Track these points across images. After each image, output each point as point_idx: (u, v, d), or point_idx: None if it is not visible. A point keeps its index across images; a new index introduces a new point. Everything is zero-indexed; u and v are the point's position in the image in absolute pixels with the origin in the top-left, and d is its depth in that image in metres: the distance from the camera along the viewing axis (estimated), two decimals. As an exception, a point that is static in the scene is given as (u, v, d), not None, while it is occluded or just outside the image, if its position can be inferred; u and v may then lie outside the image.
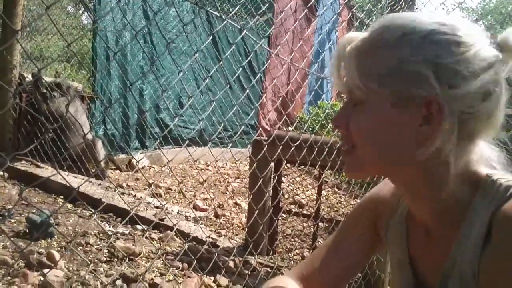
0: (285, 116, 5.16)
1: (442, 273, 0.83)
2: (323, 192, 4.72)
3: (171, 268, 2.58)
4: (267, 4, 6.91)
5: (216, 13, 5.11)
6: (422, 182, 0.80)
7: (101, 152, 4.53)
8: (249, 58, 6.40)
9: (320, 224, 3.26)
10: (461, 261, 0.79)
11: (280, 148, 2.60)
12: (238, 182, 5.15)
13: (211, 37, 5.66)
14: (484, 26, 0.80)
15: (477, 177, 0.80)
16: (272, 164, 3.04)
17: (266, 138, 2.94)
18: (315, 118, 6.57)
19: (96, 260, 2.52)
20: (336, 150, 2.70)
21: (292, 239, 3.48)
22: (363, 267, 2.42)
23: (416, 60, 0.72)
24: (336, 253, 1.06)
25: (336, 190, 5.01)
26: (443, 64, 0.72)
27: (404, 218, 0.96)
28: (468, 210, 0.79)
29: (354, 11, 6.93)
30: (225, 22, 1.62)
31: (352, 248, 1.06)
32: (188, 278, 2.50)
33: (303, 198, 4.44)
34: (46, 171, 4.02)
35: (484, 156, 0.82)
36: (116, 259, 2.60)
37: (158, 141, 5.19)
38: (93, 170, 4.38)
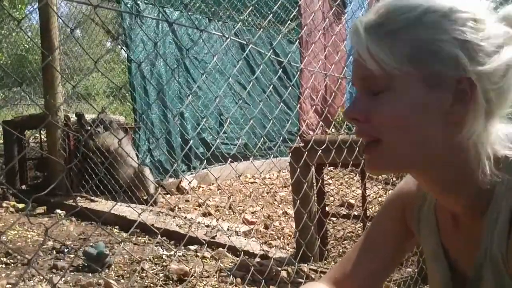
0: (325, 116, 5.13)
1: (474, 262, 0.81)
2: (375, 189, 4.63)
3: (225, 284, 2.62)
4: (297, 9, 6.95)
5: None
6: (452, 172, 0.77)
7: (150, 178, 4.67)
8: (283, 64, 6.41)
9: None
10: (492, 248, 0.77)
11: (320, 152, 2.60)
12: (285, 191, 5.15)
13: (240, 62, 5.72)
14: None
15: (497, 159, 0.77)
16: (313, 169, 3.03)
17: (303, 144, 2.93)
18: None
19: (152, 285, 2.59)
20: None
21: (345, 242, 3.43)
22: (400, 263, 2.35)
23: (443, 39, 0.71)
24: (368, 252, 1.04)
25: (385, 186, 4.90)
26: (468, 41, 0.71)
27: (433, 209, 0.94)
28: (493, 195, 0.77)
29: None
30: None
31: (383, 245, 1.03)
32: (242, 292, 2.52)
33: (351, 199, 4.37)
34: (100, 204, 4.19)
35: (501, 137, 0.80)
36: (171, 282, 2.66)
37: (205, 162, 5.28)
38: (144, 198, 4.52)
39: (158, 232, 2.88)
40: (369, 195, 3.62)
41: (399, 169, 0.82)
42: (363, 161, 2.76)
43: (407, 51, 0.71)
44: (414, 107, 0.72)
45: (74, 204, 4.07)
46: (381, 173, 0.90)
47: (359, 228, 3.45)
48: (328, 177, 4.90)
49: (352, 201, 4.26)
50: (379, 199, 4.32)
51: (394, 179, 4.40)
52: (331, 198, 4.34)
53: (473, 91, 0.72)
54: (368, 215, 2.97)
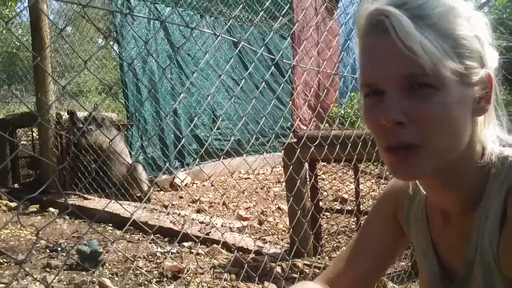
0: (318, 111, 5.13)
1: (464, 259, 0.82)
2: (368, 184, 4.65)
3: (219, 281, 2.62)
4: (288, 5, 6.93)
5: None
6: (458, 167, 0.77)
7: (143, 176, 4.66)
8: (275, 61, 6.40)
9: (365, 217, 3.22)
10: (482, 246, 0.78)
11: (313, 148, 2.60)
12: (278, 187, 5.16)
13: (231, 61, 5.68)
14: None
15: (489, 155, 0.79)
16: (306, 164, 3.03)
17: (295, 140, 2.93)
18: (350, 110, 6.48)
19: (146, 282, 2.59)
20: (370, 141, 2.66)
21: (338, 236, 3.45)
22: (395, 261, 2.36)
23: (470, 35, 0.72)
24: (360, 252, 1.04)
25: (379, 180, 4.93)
26: (484, 40, 0.74)
27: (424, 206, 0.94)
28: (484, 191, 0.78)
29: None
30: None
31: (375, 244, 1.03)
32: (237, 288, 2.53)
33: (345, 194, 4.39)
34: (93, 201, 4.18)
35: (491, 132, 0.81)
36: (166, 279, 2.66)
37: (198, 159, 5.27)
38: (137, 195, 4.51)
39: (151, 231, 2.88)
40: (362, 189, 3.63)
41: (435, 171, 0.74)
42: (355, 156, 2.78)
43: (450, 44, 0.70)
44: (455, 104, 0.71)
45: (66, 202, 4.05)
46: (417, 179, 0.82)
47: (352, 223, 3.46)
48: (322, 172, 4.92)
49: (346, 196, 4.28)
50: (372, 193, 4.34)
51: (387, 173, 4.42)
52: (325, 193, 4.36)
53: (492, 88, 0.75)
54: (361, 209, 2.98)
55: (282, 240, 3.50)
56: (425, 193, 0.91)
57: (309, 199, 3.06)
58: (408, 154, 0.72)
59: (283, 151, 3.01)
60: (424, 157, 0.72)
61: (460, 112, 0.72)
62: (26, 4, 6.04)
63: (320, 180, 3.89)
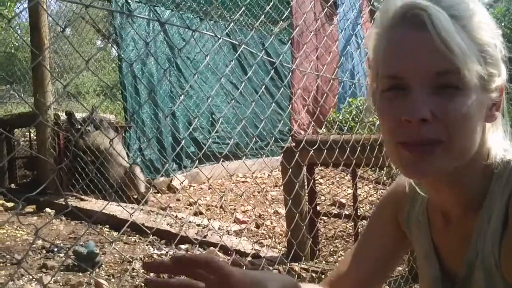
0: (317, 116, 5.14)
1: (466, 264, 0.81)
2: (365, 189, 4.66)
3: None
4: (289, 9, 6.95)
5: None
6: (464, 170, 0.77)
7: (140, 177, 4.64)
8: (275, 66, 6.41)
9: (362, 222, 3.22)
10: (484, 250, 0.77)
11: (311, 152, 2.60)
12: (276, 191, 5.15)
13: (232, 62, 5.67)
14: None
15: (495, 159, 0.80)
16: (305, 169, 3.04)
17: (294, 144, 2.93)
18: (348, 116, 6.49)
19: (142, 284, 2.58)
20: (369, 146, 2.67)
21: (336, 241, 3.44)
22: (398, 265, 2.36)
23: (491, 43, 0.73)
24: (363, 255, 1.04)
25: (376, 185, 4.93)
26: (501, 51, 0.75)
27: (425, 209, 0.94)
28: (487, 195, 0.78)
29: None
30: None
31: (378, 248, 1.02)
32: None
33: (342, 198, 4.39)
34: (90, 203, 4.16)
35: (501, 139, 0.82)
36: (162, 281, 2.64)
37: (196, 162, 5.26)
38: (135, 197, 4.50)
39: (149, 232, 2.87)
40: (360, 194, 3.64)
41: (446, 171, 0.74)
42: (354, 161, 2.78)
43: (478, 48, 0.70)
44: (475, 107, 0.71)
45: (64, 203, 4.03)
46: (430, 177, 0.77)
47: (350, 227, 3.46)
48: (320, 176, 4.92)
49: (343, 201, 4.27)
50: (370, 198, 4.35)
51: (384, 178, 4.43)
52: (322, 198, 4.36)
53: (502, 96, 0.76)
54: (359, 214, 2.98)
55: (279, 243, 3.50)
56: (426, 195, 0.91)
57: (307, 203, 3.06)
58: (426, 151, 0.71)
59: (282, 154, 3.01)
60: (443, 154, 0.71)
61: (477, 115, 0.72)
62: (26, 5, 6.04)
63: (317, 185, 3.89)
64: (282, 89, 5.32)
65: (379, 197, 4.57)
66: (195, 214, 4.15)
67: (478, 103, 0.71)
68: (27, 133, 5.62)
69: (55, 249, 3.05)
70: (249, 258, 2.88)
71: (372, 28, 0.78)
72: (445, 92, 0.70)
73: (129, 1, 5.33)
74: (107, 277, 2.69)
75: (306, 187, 3.07)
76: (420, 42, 0.69)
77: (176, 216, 3.92)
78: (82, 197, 4.25)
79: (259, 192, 5.05)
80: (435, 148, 0.71)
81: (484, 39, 0.71)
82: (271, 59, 6.11)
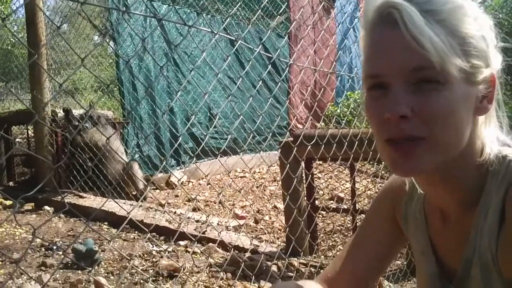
0: (315, 110, 5.13)
1: (464, 260, 0.81)
2: (364, 182, 4.66)
3: (216, 280, 2.62)
4: (286, 3, 6.92)
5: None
6: (458, 164, 0.77)
7: (139, 174, 4.64)
8: (272, 60, 6.40)
9: (361, 216, 3.22)
10: (481, 246, 0.78)
11: (309, 147, 2.60)
12: (274, 185, 5.16)
13: (228, 59, 5.65)
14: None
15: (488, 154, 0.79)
16: (303, 163, 3.03)
17: (292, 139, 2.93)
18: (346, 110, 6.48)
19: (142, 281, 2.58)
20: (367, 140, 2.67)
21: (334, 235, 3.45)
22: (394, 259, 2.37)
23: (477, 35, 0.72)
24: (359, 250, 1.04)
25: (375, 179, 4.94)
26: (490, 42, 0.75)
27: (422, 205, 0.94)
28: (483, 191, 0.78)
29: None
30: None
31: (375, 243, 1.03)
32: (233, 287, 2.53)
33: (341, 192, 4.40)
34: (88, 200, 4.16)
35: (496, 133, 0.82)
36: (161, 277, 2.65)
37: (194, 157, 5.25)
38: (133, 193, 4.50)
39: (147, 230, 2.87)
40: (358, 188, 3.64)
41: (435, 168, 0.74)
42: (352, 155, 2.78)
43: (458, 42, 0.70)
44: (459, 101, 0.71)
45: (62, 200, 4.03)
46: (417, 174, 0.78)
47: (348, 222, 3.46)
48: (318, 171, 4.92)
49: (342, 195, 4.28)
50: (368, 192, 4.35)
51: (383, 172, 4.43)
52: (321, 192, 4.36)
53: (494, 88, 0.75)
54: (357, 208, 2.99)
55: (278, 239, 3.50)
56: (423, 192, 0.91)
57: (305, 197, 3.06)
58: (411, 147, 0.71)
59: (279, 149, 3.01)
60: (426, 150, 0.71)
61: (463, 109, 0.72)
62: (22, 1, 6.01)
63: (316, 179, 3.89)
64: (279, 83, 5.29)
65: (377, 191, 4.57)
66: (194, 210, 4.15)
67: (463, 96, 0.71)
68: (25, 130, 5.61)
69: (54, 247, 3.05)
70: (248, 254, 2.89)
71: (360, 29, 0.79)
72: (425, 88, 0.70)
73: (126, -4, 5.30)
74: (106, 274, 2.70)
75: (304, 181, 3.07)
76: (394, 40, 0.70)
77: (175, 212, 3.92)
78: (81, 194, 4.24)
79: (257, 187, 5.05)
80: (417, 145, 0.71)
81: (467, 32, 0.71)
82: (269, 54, 6.10)
